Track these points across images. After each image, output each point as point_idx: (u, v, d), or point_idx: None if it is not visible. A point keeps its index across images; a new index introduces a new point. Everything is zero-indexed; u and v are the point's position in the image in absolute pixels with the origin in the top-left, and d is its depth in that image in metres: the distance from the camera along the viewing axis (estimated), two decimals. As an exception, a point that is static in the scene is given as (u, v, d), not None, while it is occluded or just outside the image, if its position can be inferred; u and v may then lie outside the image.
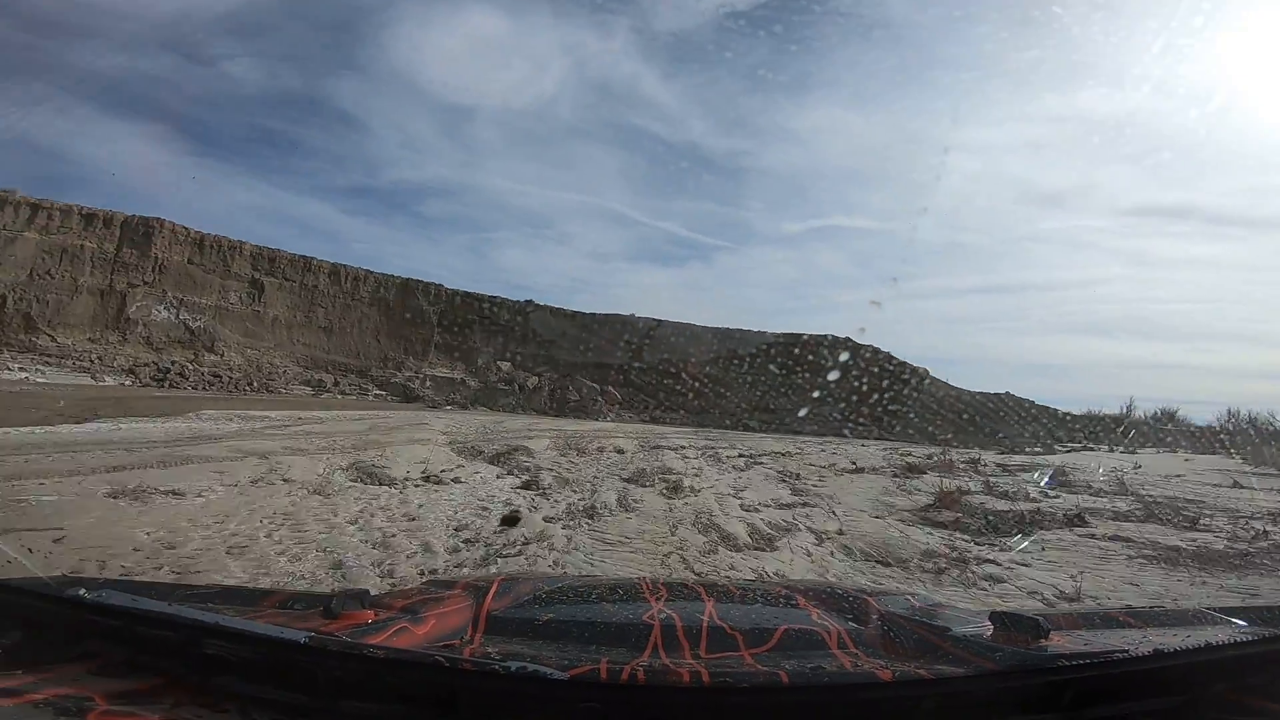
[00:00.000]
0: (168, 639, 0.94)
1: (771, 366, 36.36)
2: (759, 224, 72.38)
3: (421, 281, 46.75)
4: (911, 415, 32.20)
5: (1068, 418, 31.90)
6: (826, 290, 67.60)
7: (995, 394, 35.99)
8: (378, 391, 39.04)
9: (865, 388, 31.80)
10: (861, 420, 30.25)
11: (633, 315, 44.51)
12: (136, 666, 0.93)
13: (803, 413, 30.84)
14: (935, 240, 60.80)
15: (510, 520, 6.45)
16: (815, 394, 31.69)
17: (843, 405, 30.49)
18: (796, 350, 36.71)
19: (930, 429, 30.59)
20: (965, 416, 33.19)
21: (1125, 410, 31.69)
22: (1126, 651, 0.95)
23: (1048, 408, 33.93)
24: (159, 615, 0.96)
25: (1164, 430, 26.95)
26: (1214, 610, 1.35)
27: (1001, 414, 32.77)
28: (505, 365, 44.26)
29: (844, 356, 33.43)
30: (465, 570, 4.74)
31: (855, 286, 60.36)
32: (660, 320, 43.65)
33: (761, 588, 1.91)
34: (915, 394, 34.23)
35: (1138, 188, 59.60)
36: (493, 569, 4.80)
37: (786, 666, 0.97)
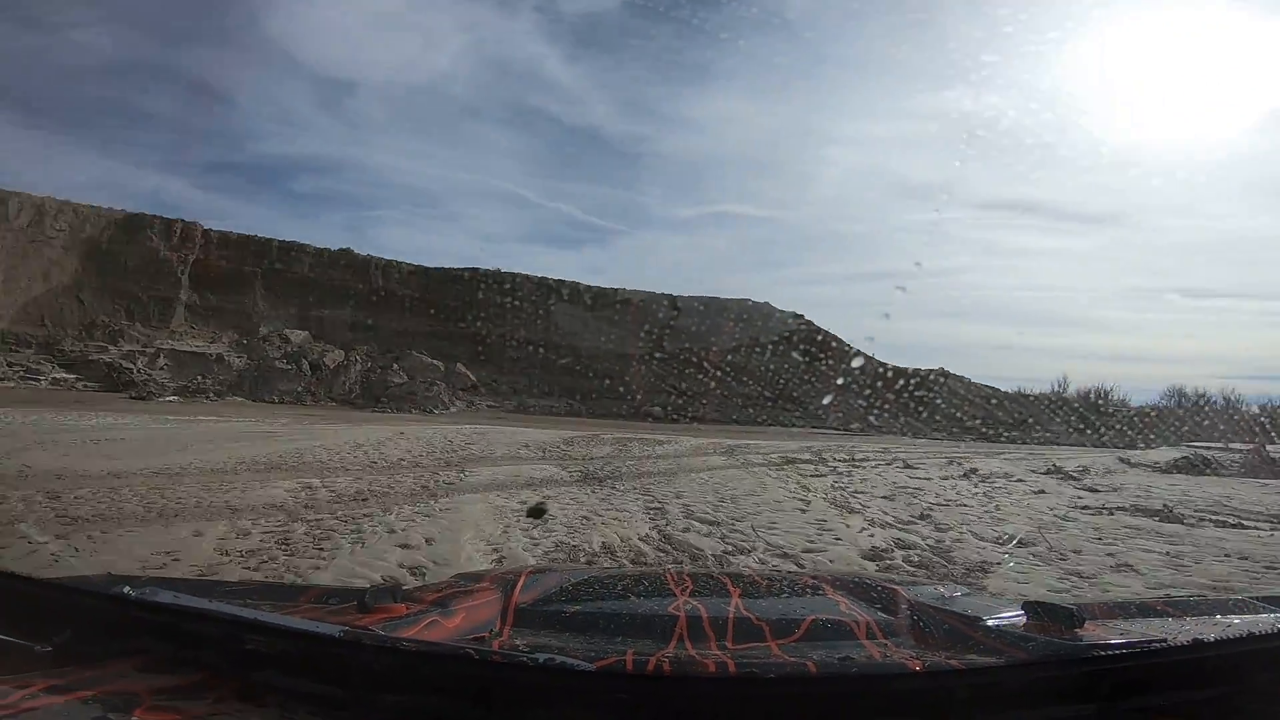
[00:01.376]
0: (209, 635, 0.94)
1: (794, 354, 31.03)
2: (655, 208, 71.65)
3: (159, 218, 31.51)
4: (939, 402, 27.47)
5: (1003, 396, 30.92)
6: (716, 274, 68.54)
7: (932, 370, 33.10)
8: (61, 375, 24.24)
9: (890, 374, 27.87)
10: (886, 411, 26.96)
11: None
12: (180, 662, 0.93)
13: (827, 400, 27.91)
14: (816, 230, 66.72)
15: (537, 512, 6.12)
16: (840, 380, 28.27)
17: (868, 393, 26.37)
18: (820, 337, 32.18)
19: (964, 421, 26.70)
20: (994, 402, 29.60)
21: (1058, 389, 32.63)
22: (1165, 641, 0.95)
23: (984, 385, 32.39)
24: (201, 611, 0.97)
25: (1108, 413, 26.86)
26: (1258, 599, 1.37)
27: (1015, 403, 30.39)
28: (298, 336, 30.14)
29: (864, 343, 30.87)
30: None
31: (743, 272, 62.34)
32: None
33: (789, 578, 1.91)
34: (942, 380, 30.64)
35: (991, 183, 64.99)
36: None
37: (814, 657, 0.99)
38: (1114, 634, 1.07)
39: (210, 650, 0.94)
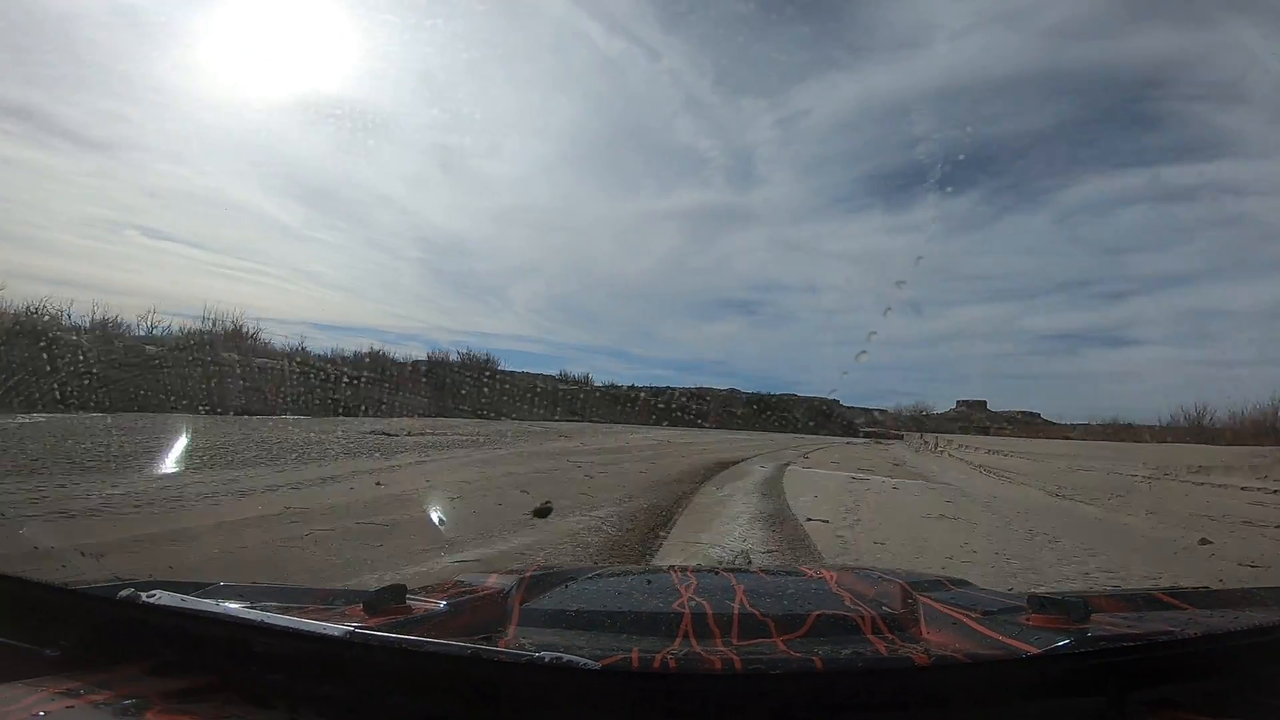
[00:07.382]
0: (216, 637, 0.95)
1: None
2: None
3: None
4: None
5: None
6: None
7: None
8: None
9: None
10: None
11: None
12: (189, 666, 0.94)
13: None
14: None
15: (542, 512, 6.39)
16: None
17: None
18: None
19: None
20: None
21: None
22: (1173, 633, 0.96)
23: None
24: (207, 614, 0.97)
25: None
26: (1262, 589, 1.37)
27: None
28: None
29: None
30: None
31: None
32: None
33: (794, 574, 1.93)
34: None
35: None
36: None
37: (820, 652, 0.97)
38: (1121, 626, 1.06)
39: (218, 653, 0.93)
